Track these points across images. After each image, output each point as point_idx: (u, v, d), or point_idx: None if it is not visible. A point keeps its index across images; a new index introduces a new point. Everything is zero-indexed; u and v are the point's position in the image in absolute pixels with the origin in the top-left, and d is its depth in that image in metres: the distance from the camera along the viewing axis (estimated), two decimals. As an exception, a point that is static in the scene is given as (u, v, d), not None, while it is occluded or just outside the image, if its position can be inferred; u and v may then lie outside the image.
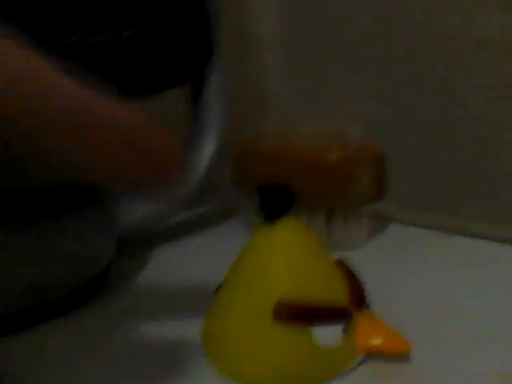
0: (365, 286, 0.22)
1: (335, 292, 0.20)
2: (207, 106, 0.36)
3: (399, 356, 0.20)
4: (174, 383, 0.20)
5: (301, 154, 0.31)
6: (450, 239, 0.33)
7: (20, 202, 0.29)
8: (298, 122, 0.35)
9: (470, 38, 0.34)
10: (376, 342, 0.19)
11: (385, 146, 0.32)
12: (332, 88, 0.45)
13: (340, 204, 0.31)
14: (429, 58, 0.37)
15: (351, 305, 0.20)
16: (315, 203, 0.31)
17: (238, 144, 0.35)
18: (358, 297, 0.20)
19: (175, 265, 0.32)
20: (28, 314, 0.25)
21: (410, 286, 0.27)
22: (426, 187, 0.39)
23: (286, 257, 0.20)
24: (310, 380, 0.19)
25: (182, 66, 0.34)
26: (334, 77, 0.45)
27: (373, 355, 0.20)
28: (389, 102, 0.39)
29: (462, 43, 0.34)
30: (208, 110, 0.36)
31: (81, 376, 0.21)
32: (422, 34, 0.37)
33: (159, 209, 0.34)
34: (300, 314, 0.19)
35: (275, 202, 0.20)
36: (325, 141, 0.31)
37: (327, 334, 0.19)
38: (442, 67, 0.36)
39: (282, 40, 0.49)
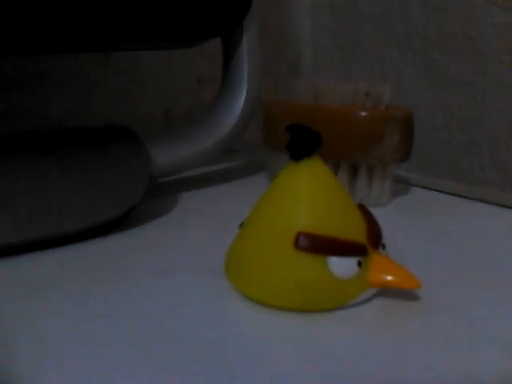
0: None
1: (354, 229, 0.21)
2: (240, 61, 0.37)
3: (409, 296, 0.21)
4: (199, 304, 0.21)
5: (331, 111, 0.32)
6: (473, 206, 0.34)
7: (63, 140, 0.31)
8: (330, 81, 0.35)
9: None
10: (388, 277, 0.20)
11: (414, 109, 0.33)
12: (363, 50, 0.45)
13: (365, 161, 0.32)
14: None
15: (368, 243, 0.21)
16: (341, 158, 0.32)
17: (268, 101, 0.36)
18: (375, 236, 0.21)
19: (199, 209, 0.33)
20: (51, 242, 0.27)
21: (426, 241, 0.28)
22: (451, 153, 0.39)
23: (309, 193, 0.21)
24: (324, 305, 0.20)
25: (215, 18, 0.35)
26: (365, 39, 0.45)
27: (385, 291, 0.21)
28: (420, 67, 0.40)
29: None
30: (240, 66, 0.37)
31: (98, 299, 0.22)
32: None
33: (191, 155, 0.35)
34: (319, 244, 0.20)
35: (302, 142, 0.21)
36: (356, 99, 0.32)
37: (342, 266, 0.20)
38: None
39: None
